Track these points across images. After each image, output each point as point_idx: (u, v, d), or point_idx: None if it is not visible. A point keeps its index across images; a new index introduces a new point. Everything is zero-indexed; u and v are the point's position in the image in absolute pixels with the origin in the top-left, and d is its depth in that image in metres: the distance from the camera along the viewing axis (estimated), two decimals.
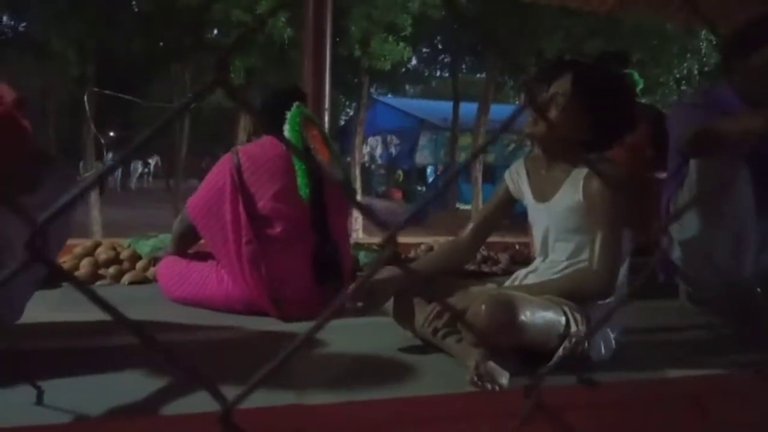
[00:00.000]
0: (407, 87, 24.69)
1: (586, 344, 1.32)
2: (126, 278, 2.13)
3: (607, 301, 1.35)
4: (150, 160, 21.28)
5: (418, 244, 2.74)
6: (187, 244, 1.95)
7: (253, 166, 1.75)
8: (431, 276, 1.54)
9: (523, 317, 1.18)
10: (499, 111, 13.62)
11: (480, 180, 10.46)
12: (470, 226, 1.60)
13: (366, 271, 1.53)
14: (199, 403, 1.04)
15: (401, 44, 8.45)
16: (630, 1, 4.26)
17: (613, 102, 1.37)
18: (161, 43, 8.85)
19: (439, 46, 17.69)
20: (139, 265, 2.20)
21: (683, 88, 9.90)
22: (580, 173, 1.40)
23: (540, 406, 0.63)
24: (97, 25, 8.03)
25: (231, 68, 5.66)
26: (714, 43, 8.90)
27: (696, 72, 9.38)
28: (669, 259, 1.83)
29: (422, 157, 15.87)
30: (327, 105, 3.41)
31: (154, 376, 1.22)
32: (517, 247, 2.89)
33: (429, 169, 17.48)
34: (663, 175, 2.17)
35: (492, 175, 14.03)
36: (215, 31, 9.59)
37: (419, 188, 15.45)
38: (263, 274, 1.69)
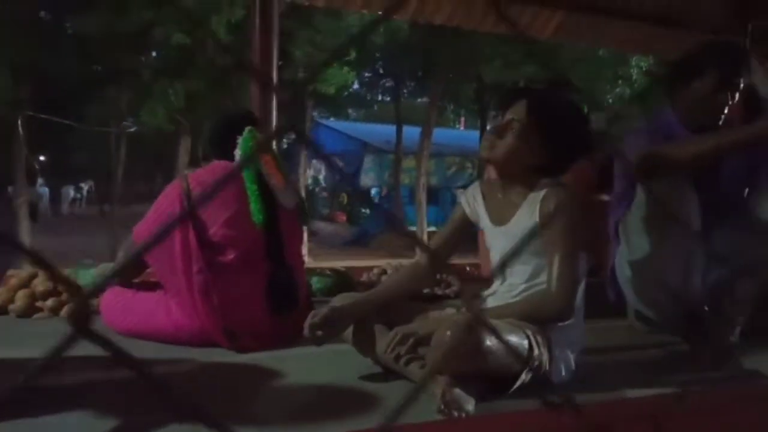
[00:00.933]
0: (350, 111, 24.81)
1: (548, 367, 1.33)
2: (66, 311, 2.01)
3: (567, 323, 1.37)
4: (83, 185, 20.48)
5: (371, 268, 2.71)
6: (132, 273, 1.86)
7: (204, 192, 1.70)
8: (391, 301, 1.52)
9: (488, 342, 1.17)
10: (441, 134, 13.87)
11: (424, 202, 10.57)
12: (427, 252, 1.59)
13: (365, 295, 1.50)
14: None
15: (345, 68, 8.50)
16: (568, 29, 4.43)
17: (567, 127, 1.40)
18: (98, 66, 8.59)
19: (381, 71, 17.92)
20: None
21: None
22: (537, 197, 1.42)
23: None
24: (30, 47, 7.72)
25: (171, 93, 5.52)
26: (644, 69, 9.37)
27: (627, 97, 9.82)
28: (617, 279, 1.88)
29: (367, 179, 15.93)
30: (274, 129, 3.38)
31: (108, 415, 1.15)
32: (467, 269, 2.91)
33: (373, 191, 17.57)
34: (606, 198, 2.24)
35: (435, 197, 14.22)
36: (154, 54, 9.41)
37: (363, 210, 15.49)
38: (215, 304, 1.63)
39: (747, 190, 1.84)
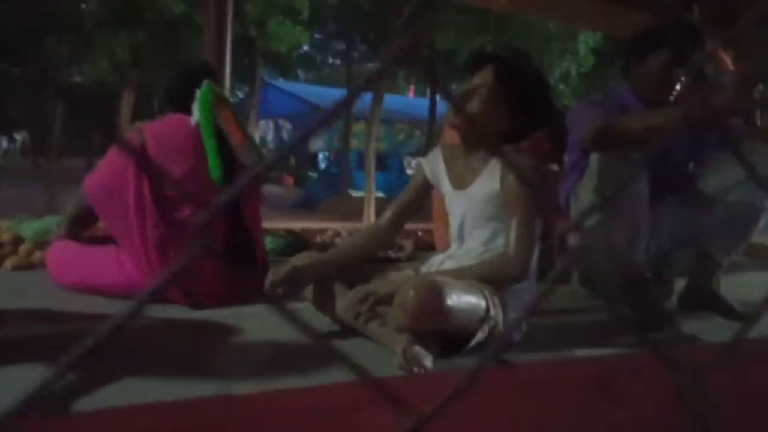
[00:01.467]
0: (299, 73, 24.36)
1: (502, 327, 1.37)
2: (8, 263, 1.94)
3: (520, 285, 1.42)
4: (16, 136, 19.45)
5: (324, 230, 2.71)
6: (82, 226, 1.81)
7: (160, 145, 1.65)
8: (350, 262, 1.54)
9: (449, 301, 1.20)
10: (392, 101, 13.80)
11: (373, 168, 10.56)
12: (388, 212, 1.61)
13: (325, 255, 1.51)
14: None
15: (298, 27, 8.31)
16: (521, 2, 4.47)
17: (532, 94, 1.43)
18: (37, 12, 8.08)
19: (330, 32, 17.59)
20: (22, 249, 2.02)
21: (561, 87, 10.53)
22: (498, 163, 1.45)
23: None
24: None
25: (115, 44, 5.25)
26: (590, 46, 9.55)
27: (574, 72, 10.02)
28: (568, 246, 1.95)
29: (316, 143, 15.77)
30: (228, 87, 3.30)
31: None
32: (419, 233, 2.95)
33: (320, 155, 17.40)
34: (555, 167, 2.30)
35: (384, 163, 14.21)
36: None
37: (311, 174, 15.34)
38: (171, 260, 1.61)
39: (692, 165, 1.94)
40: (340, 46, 19.30)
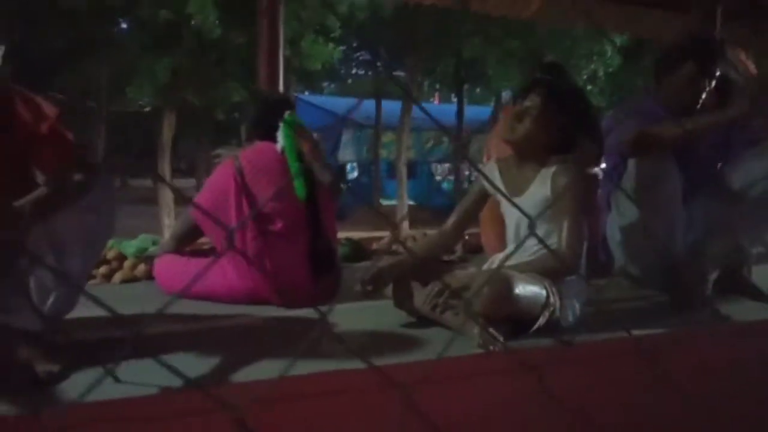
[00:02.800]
0: (324, 84, 24.72)
1: (559, 313, 1.61)
2: (117, 277, 2.24)
3: (572, 277, 1.65)
4: None
5: (379, 238, 2.98)
6: (187, 242, 2.09)
7: (254, 170, 1.93)
8: (423, 263, 1.79)
9: (517, 290, 1.45)
10: (419, 109, 14.02)
11: (405, 176, 10.84)
12: (451, 219, 1.86)
13: (402, 258, 1.77)
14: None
15: (330, 45, 8.65)
16: (548, 10, 4.68)
17: (575, 113, 1.67)
18: (79, 39, 8.54)
19: (354, 44, 17.87)
20: (127, 264, 2.31)
21: (589, 87, 10.67)
22: (548, 171, 1.69)
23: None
24: (12, 20, 7.68)
25: (158, 68, 5.59)
26: (618, 47, 9.69)
27: (601, 73, 10.16)
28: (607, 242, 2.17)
29: (345, 154, 16.10)
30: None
31: (207, 353, 1.40)
32: (467, 237, 3.18)
33: (348, 166, 17.70)
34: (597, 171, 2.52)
35: (413, 171, 14.47)
36: (124, 26, 9.35)
37: (343, 185, 15.62)
38: (267, 267, 1.88)
39: (720, 164, 2.14)
40: (364, 56, 19.60)
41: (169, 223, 8.76)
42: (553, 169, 1.68)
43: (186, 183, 13.84)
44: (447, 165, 17.05)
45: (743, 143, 2.10)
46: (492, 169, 1.85)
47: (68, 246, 1.34)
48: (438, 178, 17.47)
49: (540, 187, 1.70)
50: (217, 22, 7.30)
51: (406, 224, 10.36)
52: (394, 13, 9.00)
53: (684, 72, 1.99)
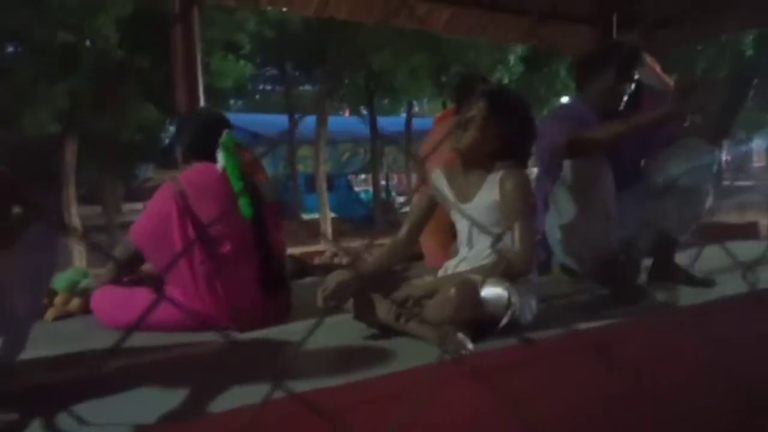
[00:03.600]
0: (230, 102, 24.22)
1: (518, 312, 1.65)
2: (49, 314, 2.09)
3: (529, 277, 1.71)
4: None
5: (321, 252, 2.95)
6: (128, 271, 1.98)
7: (196, 191, 1.86)
8: (380, 274, 1.79)
9: (483, 294, 1.48)
10: (332, 121, 14.09)
11: (325, 189, 10.81)
12: (403, 229, 1.88)
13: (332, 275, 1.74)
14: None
15: (241, 62, 8.50)
16: (458, 23, 4.85)
17: (518, 120, 1.73)
18: None
19: (257, 60, 17.64)
20: (58, 299, 2.16)
21: None
22: (495, 177, 1.75)
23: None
24: None
25: (56, 93, 5.29)
26: (519, 56, 10.14)
27: (506, 81, 10.58)
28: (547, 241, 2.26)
29: None
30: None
31: (169, 388, 1.33)
32: None
33: None
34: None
35: (331, 183, 14.45)
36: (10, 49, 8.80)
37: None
38: (218, 291, 1.81)
39: (643, 161, 2.29)
40: (271, 72, 19.37)
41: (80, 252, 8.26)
42: (500, 174, 1.74)
43: (91, 210, 13.10)
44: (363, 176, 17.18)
45: (660, 141, 2.25)
46: (439, 177, 1.88)
47: (12, 285, 1.24)
48: (357, 189, 17.54)
49: (488, 193, 1.75)
50: (116, 44, 7.00)
51: (329, 237, 10.31)
52: (302, 28, 8.99)
53: (607, 76, 2.11)
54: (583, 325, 1.75)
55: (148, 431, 1.12)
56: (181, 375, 1.46)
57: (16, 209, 1.30)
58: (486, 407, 1.30)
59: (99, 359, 1.48)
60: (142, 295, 1.89)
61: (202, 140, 1.97)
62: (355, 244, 3.23)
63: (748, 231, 3.46)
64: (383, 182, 16.03)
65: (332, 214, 11.66)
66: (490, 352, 1.47)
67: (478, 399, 1.31)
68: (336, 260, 2.82)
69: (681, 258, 2.25)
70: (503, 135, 1.73)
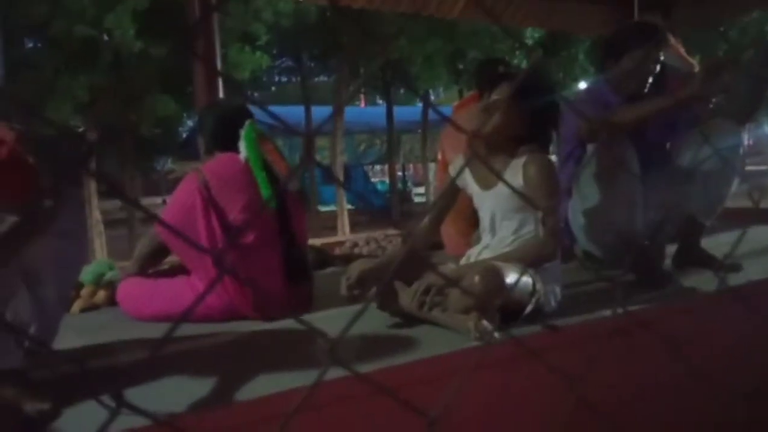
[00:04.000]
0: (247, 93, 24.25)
1: (542, 299, 1.64)
2: (75, 307, 2.11)
3: (552, 263, 1.69)
4: None
5: (343, 242, 2.95)
6: (153, 263, 2.00)
7: (220, 182, 1.86)
8: (403, 262, 1.78)
9: (508, 281, 1.47)
10: (348, 112, 14.08)
11: (342, 180, 10.81)
12: (428, 216, 1.87)
13: (383, 259, 1.75)
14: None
15: (258, 53, 8.50)
16: (472, 8, 4.80)
17: (542, 103, 1.71)
18: None
19: (274, 51, 17.64)
20: (85, 291, 2.19)
21: None
22: (519, 162, 1.73)
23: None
24: None
25: (77, 87, 5.33)
26: (536, 39, 10.03)
27: (525, 66, 10.49)
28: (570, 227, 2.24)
29: None
30: None
31: (204, 375, 1.34)
32: None
33: None
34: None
35: (348, 174, 14.45)
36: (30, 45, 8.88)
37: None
38: (242, 281, 1.82)
39: (668, 144, 2.25)
40: (286, 63, 19.37)
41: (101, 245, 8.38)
42: (523, 159, 1.72)
43: (111, 205, 13.24)
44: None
45: (686, 123, 2.21)
46: (461, 163, 1.87)
47: (42, 275, 1.26)
48: (374, 180, 17.53)
49: (511, 178, 1.73)
50: (133, 36, 7.03)
51: (347, 229, 10.34)
52: (318, 17, 8.97)
53: (629, 58, 2.08)
54: (608, 312, 1.73)
55: (184, 418, 1.13)
56: (204, 366, 1.47)
57: (47, 199, 1.31)
58: (514, 393, 1.29)
59: (121, 351, 1.50)
60: (167, 287, 1.91)
61: (224, 131, 1.97)
62: (374, 234, 3.21)
63: None
64: (399, 173, 15.99)
65: (349, 206, 11.67)
66: (519, 338, 1.46)
67: (511, 383, 1.31)
68: (356, 251, 2.82)
69: (705, 242, 2.22)
70: (527, 119, 1.71)
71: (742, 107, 2.13)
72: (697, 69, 2.52)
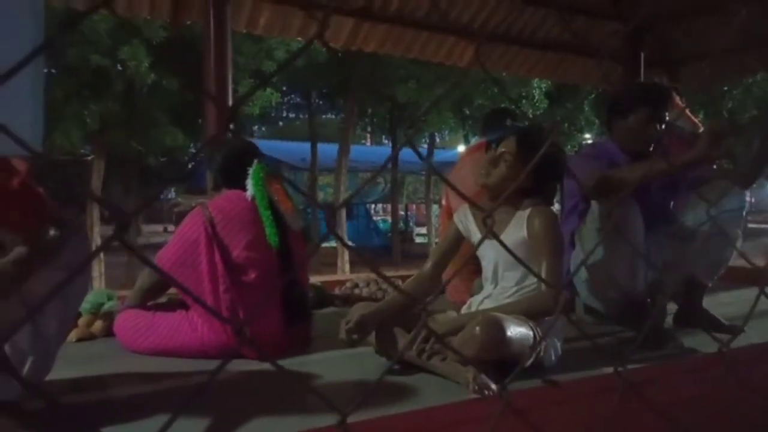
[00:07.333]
0: (254, 129, 24.56)
1: (542, 353, 1.63)
2: (72, 335, 2.10)
3: (553, 317, 1.68)
4: None
5: (343, 282, 2.94)
6: (153, 295, 2.00)
7: (225, 219, 1.88)
8: (404, 308, 1.78)
9: (509, 333, 1.46)
10: (354, 151, 14.21)
11: (344, 217, 10.85)
12: (429, 263, 1.87)
13: (382, 305, 1.75)
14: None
15: (268, 90, 8.64)
16: (482, 58, 4.88)
17: (548, 159, 1.73)
18: None
19: (284, 88, 17.90)
20: (82, 321, 2.17)
21: None
22: (523, 214, 1.74)
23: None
24: None
25: (86, 114, 5.41)
26: (543, 90, 10.19)
27: (530, 115, 10.62)
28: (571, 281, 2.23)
29: None
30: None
31: (194, 415, 1.32)
32: None
33: None
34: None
35: (350, 212, 14.49)
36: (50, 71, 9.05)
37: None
38: (241, 319, 1.81)
39: (672, 203, 2.27)
40: (295, 100, 19.62)
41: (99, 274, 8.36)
42: (528, 211, 1.73)
43: (111, 230, 13.23)
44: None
45: (690, 183, 2.23)
46: (466, 212, 1.88)
47: (45, 307, 1.26)
48: (376, 218, 17.56)
49: (516, 230, 1.74)
50: (148, 69, 7.17)
51: (347, 267, 10.31)
52: (329, 58, 9.14)
53: (637, 117, 2.11)
54: (607, 369, 1.72)
55: None
56: (196, 403, 1.45)
57: (52, 230, 1.32)
58: None
59: (113, 383, 1.49)
60: (165, 321, 1.90)
61: (233, 168, 1.99)
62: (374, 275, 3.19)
63: None
64: (402, 212, 16.03)
65: (350, 243, 11.67)
66: (518, 392, 1.44)
67: None
68: (356, 291, 2.81)
69: (706, 301, 2.21)
70: (533, 173, 1.73)
71: (747, 169, 2.15)
72: (701, 129, 2.56)
